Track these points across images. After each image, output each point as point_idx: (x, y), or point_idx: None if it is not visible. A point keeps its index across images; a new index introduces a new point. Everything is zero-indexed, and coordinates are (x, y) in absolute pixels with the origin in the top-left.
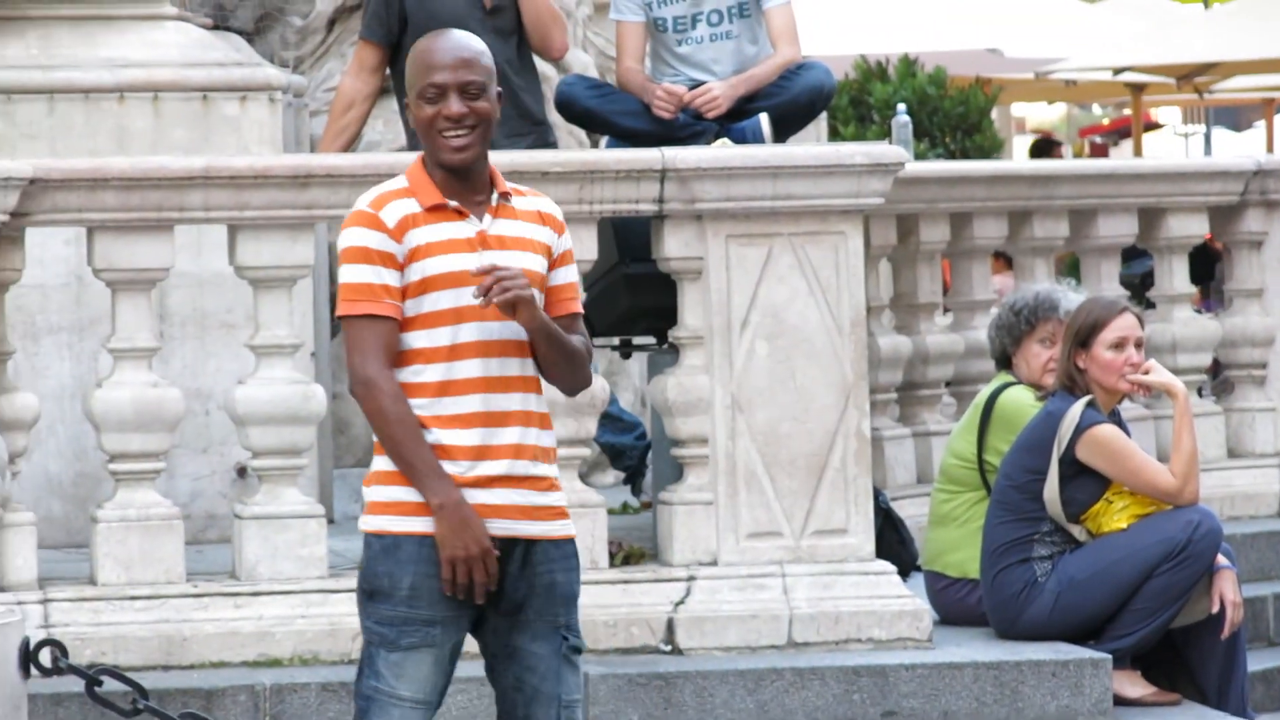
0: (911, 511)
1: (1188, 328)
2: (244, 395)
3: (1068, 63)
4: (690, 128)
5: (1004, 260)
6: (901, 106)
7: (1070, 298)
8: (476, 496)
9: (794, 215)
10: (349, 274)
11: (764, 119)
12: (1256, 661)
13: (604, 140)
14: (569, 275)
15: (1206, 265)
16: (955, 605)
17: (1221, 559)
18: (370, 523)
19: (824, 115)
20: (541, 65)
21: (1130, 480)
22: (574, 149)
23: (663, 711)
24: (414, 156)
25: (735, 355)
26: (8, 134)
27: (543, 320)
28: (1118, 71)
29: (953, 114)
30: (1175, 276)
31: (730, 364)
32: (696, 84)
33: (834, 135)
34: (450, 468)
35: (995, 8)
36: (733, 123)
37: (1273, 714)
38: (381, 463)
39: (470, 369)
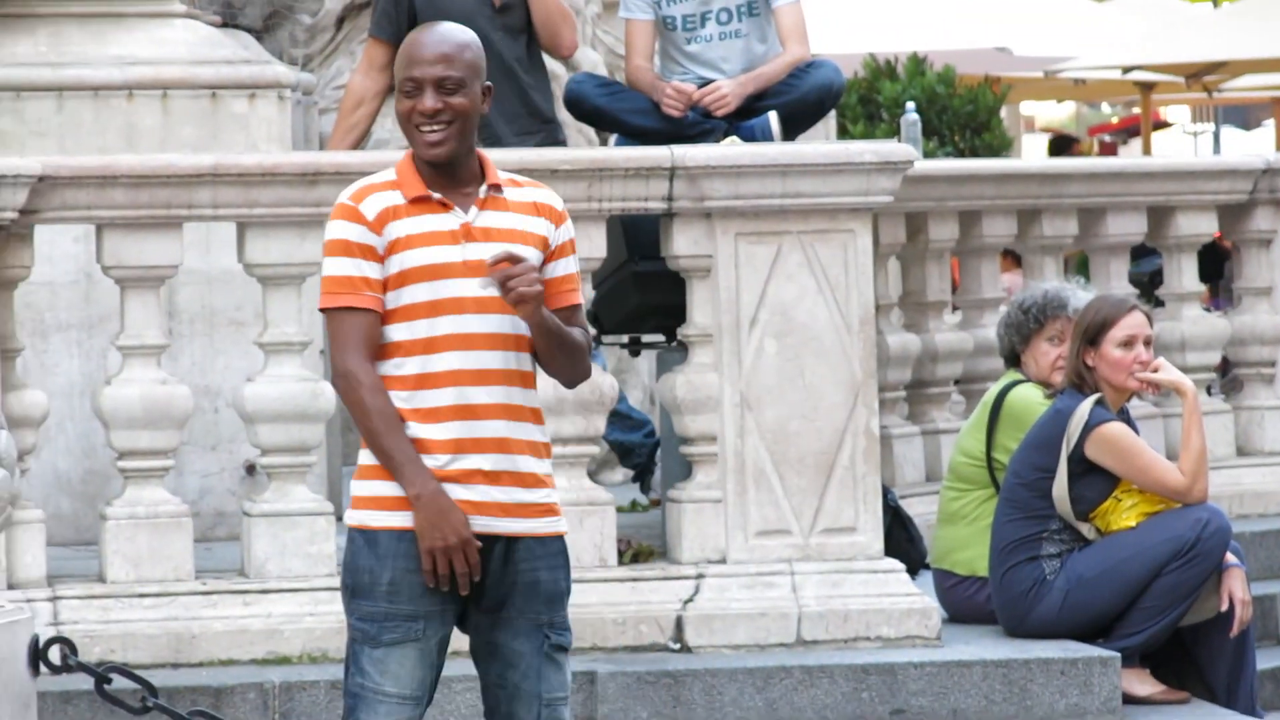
0: (920, 509)
1: (1197, 326)
2: (253, 393)
3: (1077, 61)
4: (699, 126)
5: (1013, 258)
6: (910, 105)
7: (1079, 296)
8: (455, 492)
9: (803, 213)
10: (330, 267)
11: (773, 117)
12: (1265, 659)
13: (613, 138)
14: (568, 267)
15: (1215, 263)
16: (964, 603)
17: (1230, 557)
18: (352, 517)
19: (833, 113)
20: (550, 63)
21: (1139, 478)
22: (583, 147)
23: (671, 709)
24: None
25: (744, 353)
26: (17, 131)
27: (544, 315)
28: (1127, 70)
29: (962, 112)
30: (1184, 275)
31: (739, 362)
32: (705, 82)
33: (843, 133)
34: (428, 462)
35: (1004, 6)
36: (742, 121)
37: None
38: (365, 457)
39: (447, 362)
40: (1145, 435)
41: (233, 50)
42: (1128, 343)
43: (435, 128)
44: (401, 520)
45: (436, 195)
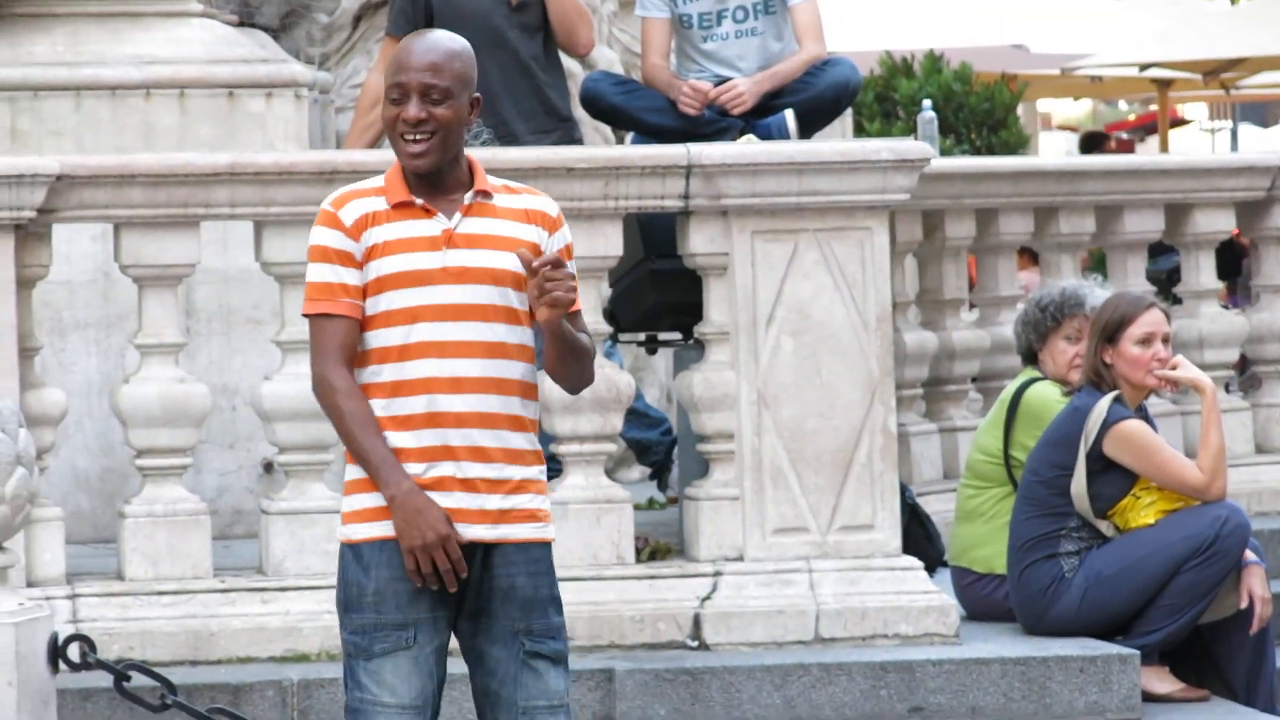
0: (938, 507)
1: (1214, 323)
2: (270, 391)
3: (1094, 58)
4: (716, 124)
5: (1030, 256)
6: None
7: (1096, 294)
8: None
9: (819, 211)
10: (311, 273)
11: (789, 115)
12: None
13: (629, 136)
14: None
15: (1233, 261)
16: (982, 601)
17: (1249, 554)
18: (341, 532)
19: (849, 111)
20: (567, 61)
21: (1157, 476)
22: (599, 145)
23: (690, 707)
24: None
25: (761, 351)
26: (34, 130)
27: (560, 323)
28: (1144, 67)
29: (978, 110)
30: (1202, 272)
31: (756, 360)
32: (722, 80)
33: (859, 131)
34: (407, 469)
35: (1021, 3)
36: (758, 119)
37: None
38: (351, 472)
39: (420, 369)
40: (1163, 433)
41: (250, 49)
42: (1146, 340)
43: (418, 137)
44: (382, 530)
45: (419, 201)
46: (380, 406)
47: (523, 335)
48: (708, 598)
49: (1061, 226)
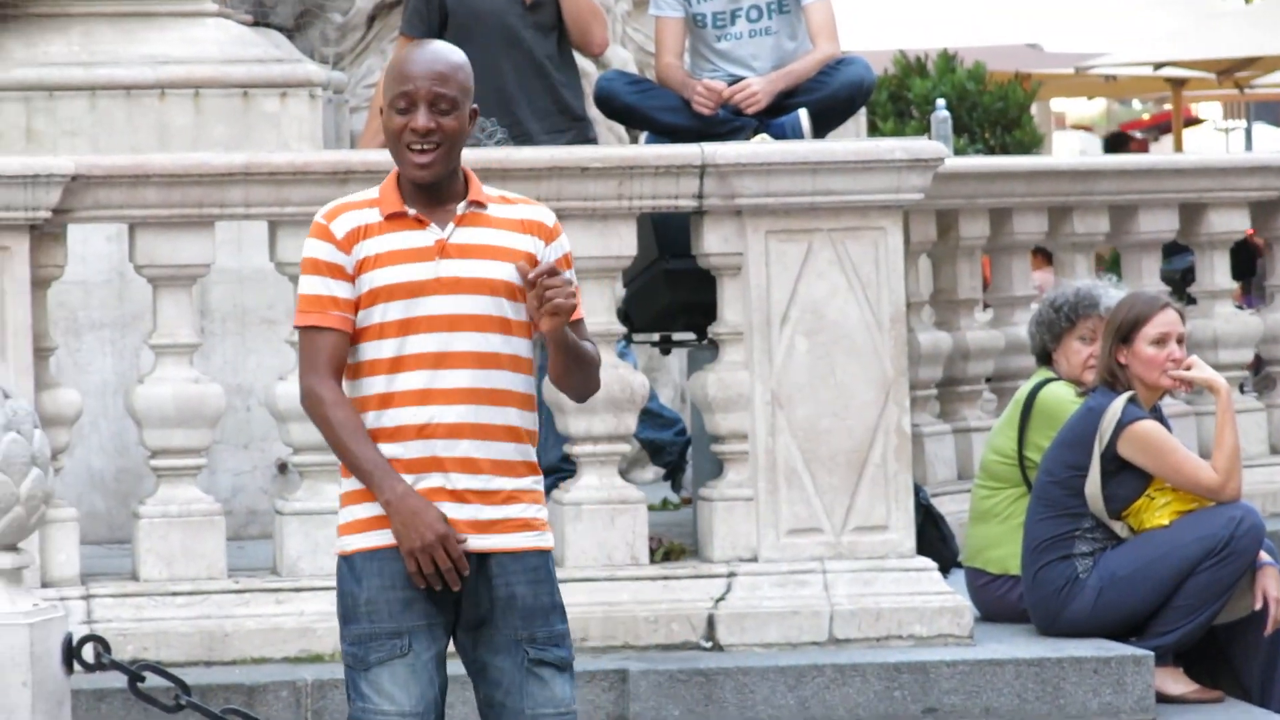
0: (952, 508)
1: (1229, 323)
2: (285, 391)
3: (1108, 58)
4: (730, 123)
5: (1043, 256)
6: (941, 102)
7: (1111, 294)
8: None
9: (834, 211)
10: (302, 285)
11: (803, 114)
12: None
13: (643, 136)
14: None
15: (1248, 261)
16: (996, 602)
17: (1264, 555)
18: (337, 544)
19: (863, 110)
20: (581, 61)
21: (1172, 476)
22: (614, 145)
23: (704, 708)
24: None
25: (775, 351)
26: (49, 131)
27: (564, 332)
28: (1158, 66)
29: (992, 109)
30: (1216, 272)
31: (770, 360)
32: (736, 80)
33: (873, 130)
34: None
35: (1035, 3)
36: (772, 118)
37: None
38: (344, 484)
39: (411, 381)
40: (1178, 433)
41: (264, 49)
42: (1160, 340)
43: (426, 147)
44: (372, 540)
45: (412, 212)
46: (373, 418)
47: (517, 346)
48: (722, 598)
49: (1076, 226)
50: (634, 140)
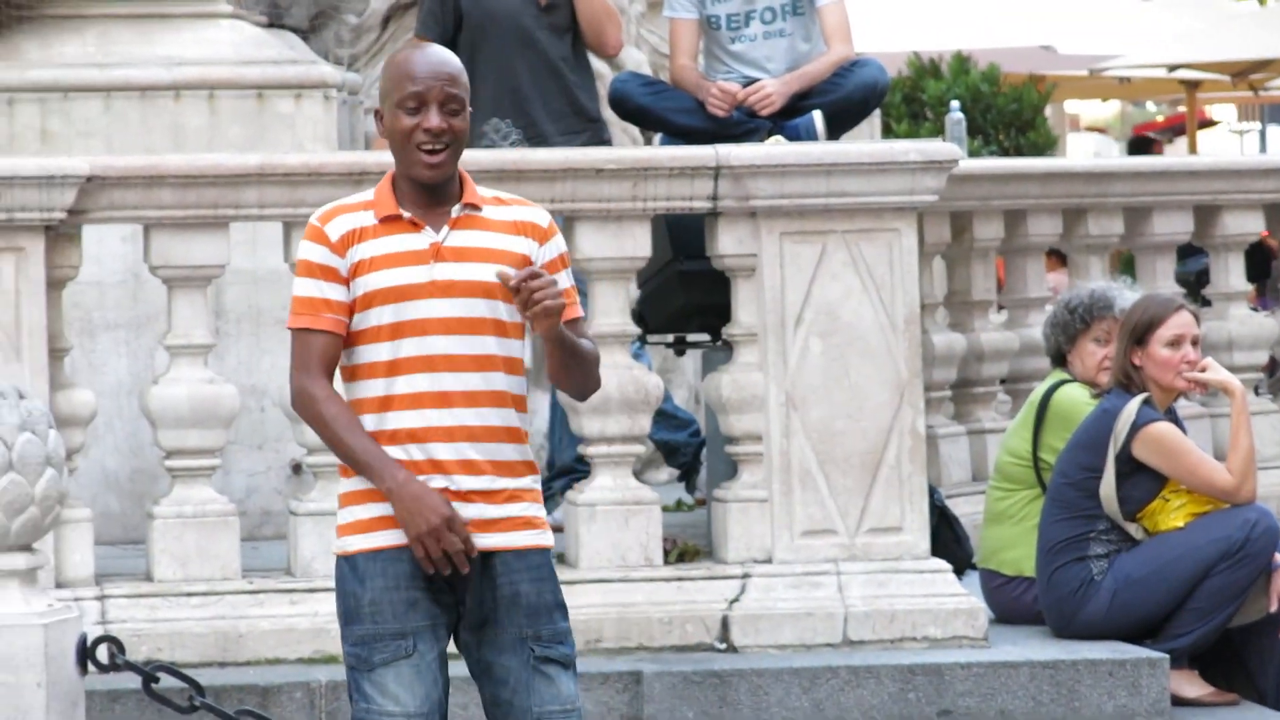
0: (966, 509)
1: (1244, 325)
2: None
3: (1122, 60)
4: (744, 125)
5: (1058, 257)
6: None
7: (1125, 296)
8: None
9: (848, 212)
10: (296, 287)
11: (818, 116)
12: None
13: (658, 137)
14: (563, 281)
15: (1262, 263)
16: (1011, 603)
17: (1279, 558)
18: (336, 545)
19: (877, 112)
20: (595, 62)
21: (1187, 478)
22: (628, 146)
23: (718, 709)
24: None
25: (789, 352)
26: (64, 131)
27: (560, 330)
28: (1172, 68)
29: (1006, 111)
30: (1231, 274)
31: (784, 361)
32: (750, 81)
33: (887, 132)
34: None
35: (1049, 5)
36: (786, 120)
37: None
38: (344, 484)
39: (409, 384)
40: (1193, 435)
41: (279, 50)
42: (1175, 342)
43: (438, 148)
44: (374, 541)
45: (407, 215)
46: (373, 421)
47: (511, 348)
48: (736, 600)
49: (1090, 228)
50: (648, 142)
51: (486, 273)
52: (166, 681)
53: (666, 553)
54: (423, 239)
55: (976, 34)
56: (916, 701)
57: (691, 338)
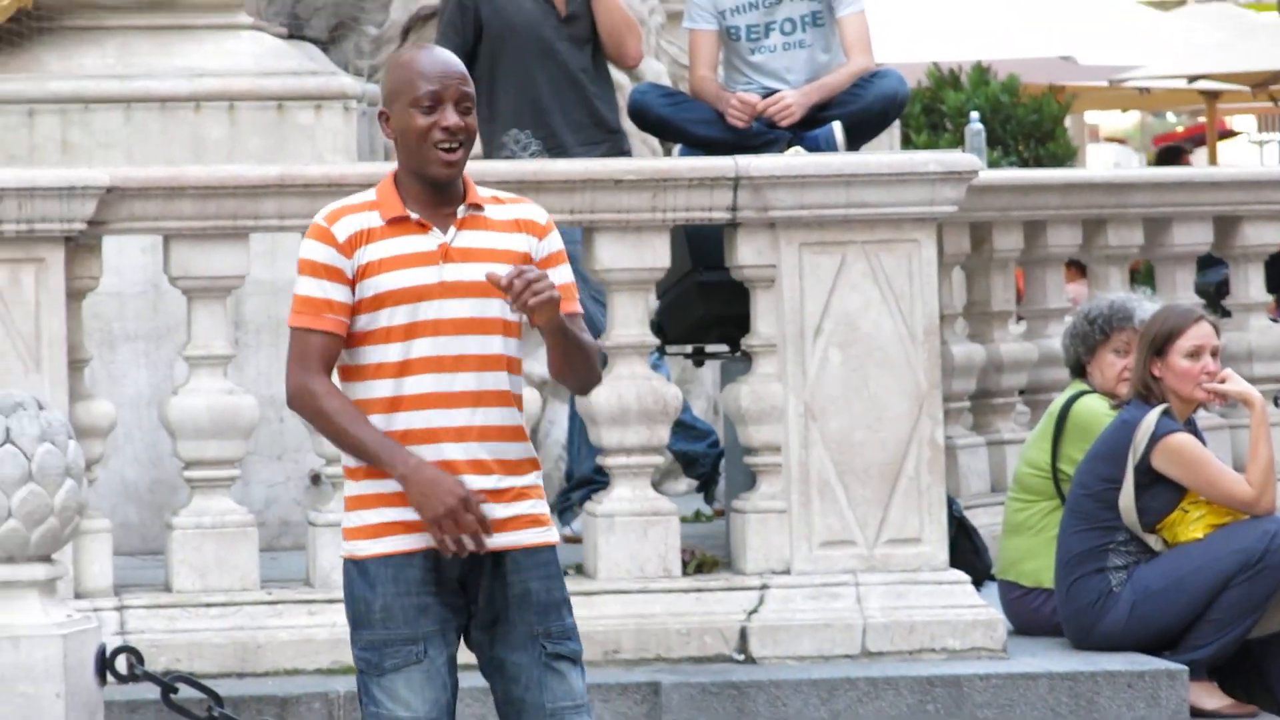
0: (985, 520)
1: (1264, 336)
2: None
3: (1142, 70)
4: (763, 136)
5: (1077, 268)
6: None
7: (1145, 307)
8: None
9: (867, 223)
10: (299, 286)
11: (837, 127)
12: None
13: (677, 148)
14: (562, 276)
15: None
16: (1030, 615)
17: None
18: (344, 549)
19: (897, 123)
20: (614, 73)
21: (1206, 489)
22: (647, 157)
23: None
24: (483, 165)
25: (808, 363)
26: (85, 143)
27: (560, 322)
28: (1192, 79)
29: (1026, 121)
30: (1251, 285)
31: (803, 372)
32: (769, 92)
33: (906, 143)
34: None
35: (1069, 15)
36: (806, 131)
37: None
38: (350, 489)
39: (420, 385)
40: (1212, 446)
41: (299, 61)
42: (1195, 353)
43: (454, 146)
44: (386, 546)
45: (415, 216)
46: (380, 421)
47: (513, 347)
48: (754, 611)
49: (1110, 239)
50: (668, 153)
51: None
52: (185, 692)
53: (685, 564)
54: (430, 240)
55: (996, 45)
56: (935, 713)
57: (710, 348)
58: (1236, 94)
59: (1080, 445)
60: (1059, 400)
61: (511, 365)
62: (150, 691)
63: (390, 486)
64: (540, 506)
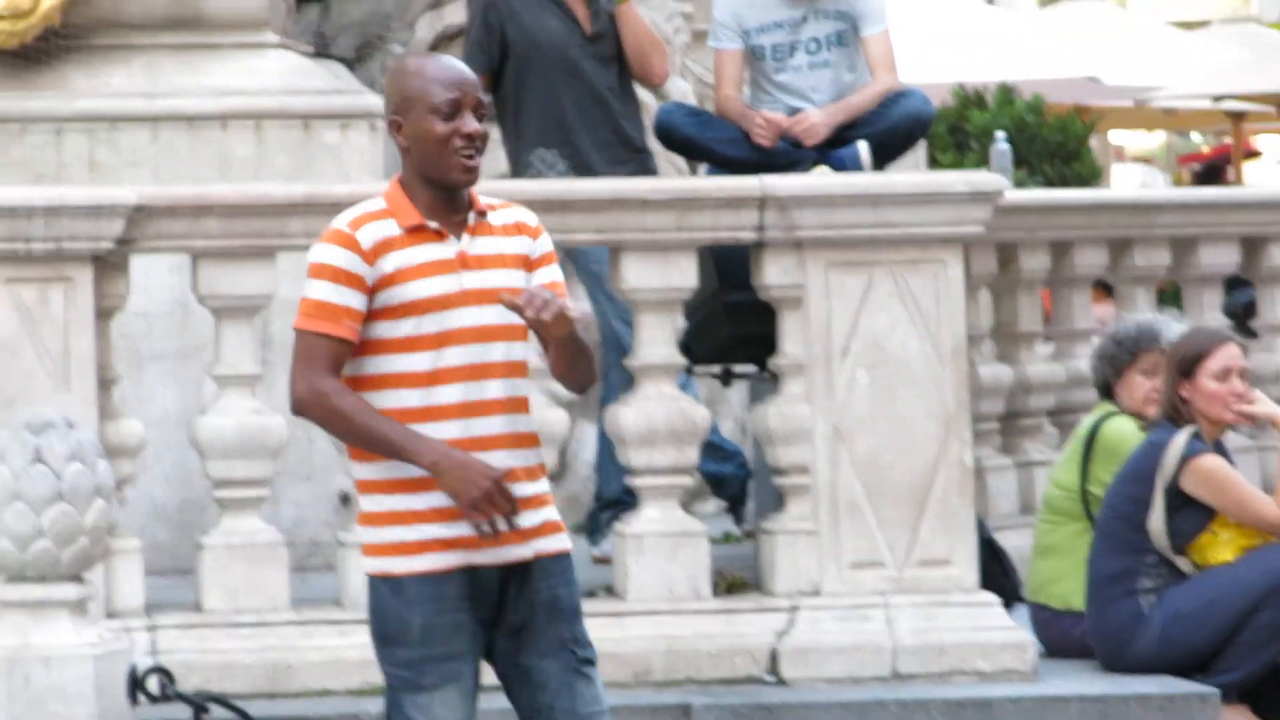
0: (1015, 542)
1: None
2: None
3: (1167, 90)
4: (789, 155)
5: (1104, 289)
6: (1001, 134)
7: (1173, 328)
8: (469, 527)
9: (894, 243)
10: (315, 290)
11: (863, 146)
12: None
13: (703, 168)
14: (553, 274)
15: None
16: (1060, 637)
17: None
18: (372, 565)
19: (922, 143)
20: (640, 93)
21: (1235, 511)
22: (673, 176)
23: None
24: (510, 184)
25: (836, 384)
26: (112, 161)
27: (574, 331)
28: (1217, 99)
29: (1051, 141)
30: (1278, 306)
31: (831, 392)
32: (795, 112)
33: (932, 163)
34: (439, 499)
35: (1094, 35)
36: (832, 150)
37: None
38: (370, 504)
39: (451, 394)
40: (1240, 468)
41: (325, 80)
42: (1223, 375)
43: (473, 152)
44: (425, 564)
45: (433, 224)
46: None
47: (528, 353)
48: (784, 633)
49: (1137, 259)
50: (694, 172)
51: (507, 279)
52: (216, 712)
53: (715, 585)
54: (448, 248)
55: (1021, 65)
56: None
57: (738, 369)
58: (1262, 114)
59: (1109, 467)
60: (1087, 422)
61: (527, 371)
62: (181, 712)
63: (424, 502)
64: (556, 512)
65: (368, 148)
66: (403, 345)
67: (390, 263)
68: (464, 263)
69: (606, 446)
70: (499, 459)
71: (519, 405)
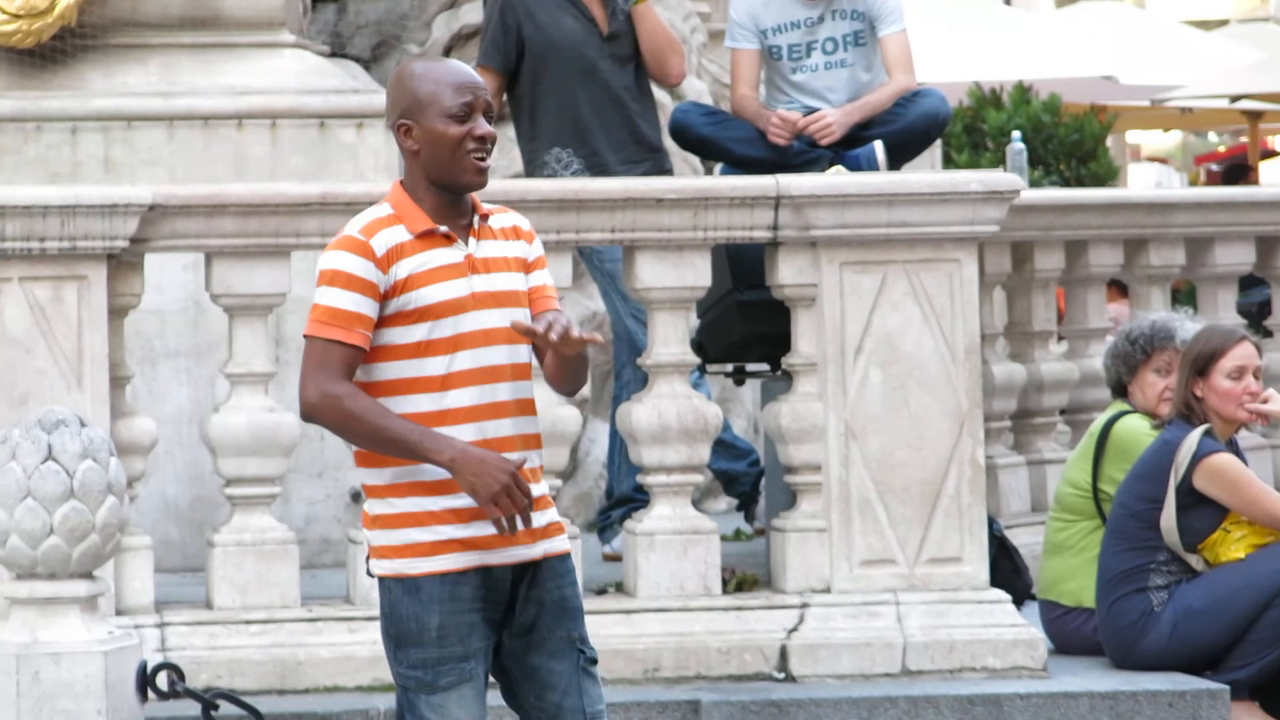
0: (1026, 540)
1: None
2: None
3: (1184, 90)
4: (805, 155)
5: (1119, 288)
6: (1016, 134)
7: (1187, 327)
8: (482, 528)
9: (908, 242)
10: (327, 296)
11: (879, 146)
12: None
13: (718, 167)
14: (544, 277)
15: None
16: (1070, 634)
17: None
18: (385, 566)
19: (938, 142)
20: (656, 92)
21: (1248, 509)
22: (688, 176)
23: None
24: (525, 183)
25: (849, 382)
26: (128, 160)
27: (583, 349)
28: (1234, 99)
29: (1067, 141)
30: None
31: (844, 391)
32: (811, 111)
33: (948, 162)
34: (452, 501)
35: (1110, 35)
36: (847, 150)
37: None
38: (378, 507)
39: (464, 397)
40: (1254, 467)
41: (341, 80)
42: (1237, 374)
43: (485, 154)
44: (442, 564)
45: (443, 229)
46: None
47: (532, 355)
48: (794, 629)
49: (1151, 259)
50: (709, 171)
51: (513, 282)
52: (226, 709)
53: (725, 582)
54: (456, 252)
55: (1038, 64)
56: None
57: (751, 367)
58: (1278, 114)
59: (1121, 465)
60: (1100, 420)
61: (530, 373)
62: (191, 708)
63: (439, 504)
64: (558, 514)
65: (383, 147)
66: (417, 350)
67: (404, 268)
68: (472, 266)
69: (618, 444)
70: (516, 460)
71: (527, 408)
